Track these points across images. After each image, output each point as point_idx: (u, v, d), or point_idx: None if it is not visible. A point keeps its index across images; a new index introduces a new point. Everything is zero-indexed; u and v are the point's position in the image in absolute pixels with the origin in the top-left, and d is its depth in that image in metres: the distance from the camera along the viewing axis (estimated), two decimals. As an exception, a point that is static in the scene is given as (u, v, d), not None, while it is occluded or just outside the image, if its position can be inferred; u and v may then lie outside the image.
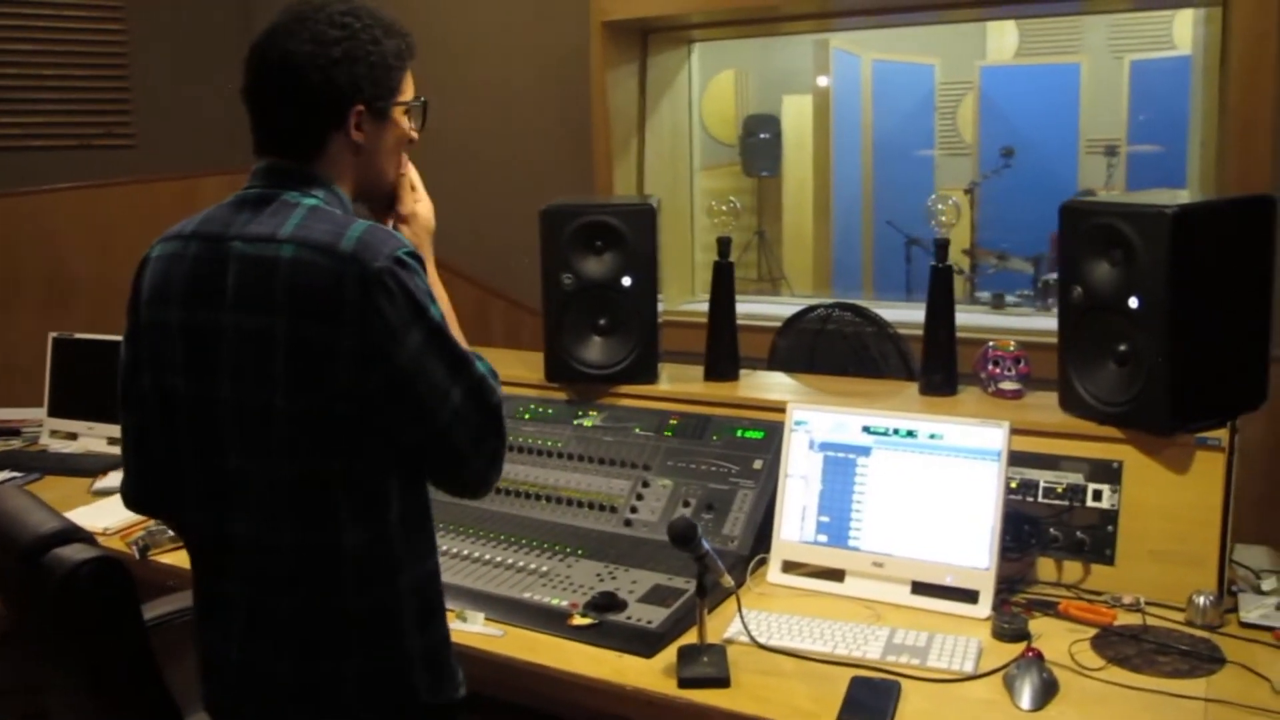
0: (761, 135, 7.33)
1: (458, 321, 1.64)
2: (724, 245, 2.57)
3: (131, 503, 1.70)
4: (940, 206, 2.35)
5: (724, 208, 2.54)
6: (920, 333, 3.15)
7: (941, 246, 2.36)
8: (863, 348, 2.81)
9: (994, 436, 2.03)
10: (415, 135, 1.67)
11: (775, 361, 2.95)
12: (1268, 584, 2.05)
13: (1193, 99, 4.43)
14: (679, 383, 2.60)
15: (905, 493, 2.09)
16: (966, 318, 4.59)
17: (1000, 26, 7.68)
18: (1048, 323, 4.79)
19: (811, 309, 2.98)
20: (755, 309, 4.59)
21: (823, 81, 7.05)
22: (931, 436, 2.09)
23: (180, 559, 2.40)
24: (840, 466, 2.15)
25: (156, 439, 1.61)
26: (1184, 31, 7.18)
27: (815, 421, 2.19)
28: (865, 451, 2.14)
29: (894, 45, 6.87)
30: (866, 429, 2.14)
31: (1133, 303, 1.99)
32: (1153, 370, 1.99)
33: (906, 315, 3.58)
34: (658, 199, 2.57)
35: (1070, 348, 2.15)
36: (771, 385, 2.61)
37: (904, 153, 6.91)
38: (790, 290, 7.53)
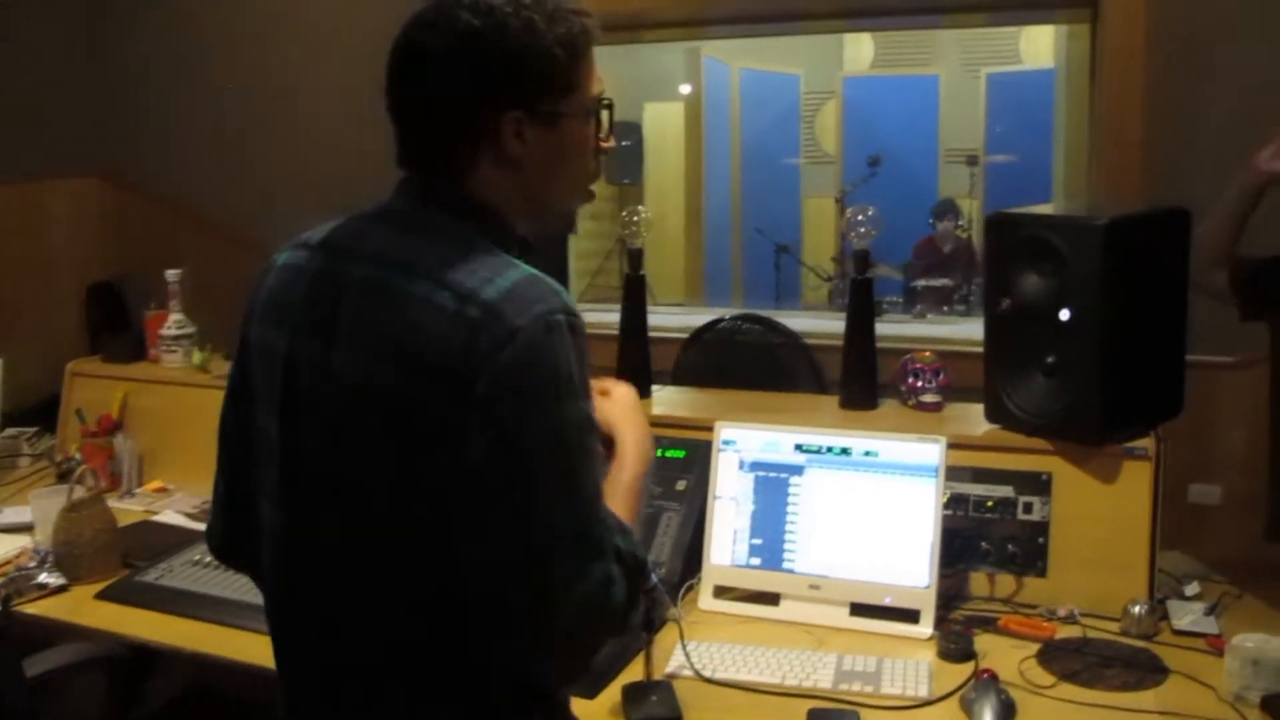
0: (623, 142, 7.28)
1: (632, 499, 1.31)
2: (636, 257, 2.49)
3: (214, 551, 1.45)
4: (860, 217, 2.31)
5: (635, 218, 2.45)
6: (815, 342, 3.18)
7: (861, 258, 2.33)
8: (773, 360, 2.76)
9: (930, 452, 2.00)
10: (607, 143, 1.33)
11: (681, 376, 2.87)
12: (1190, 589, 2.08)
13: (1057, 111, 4.58)
14: (590, 400, 2.49)
15: (841, 512, 2.04)
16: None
17: (857, 38, 7.85)
18: (926, 329, 4.90)
19: (716, 322, 2.92)
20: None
21: (686, 89, 7.06)
22: (866, 454, 2.04)
23: (46, 608, 2.17)
24: (772, 486, 2.09)
25: (246, 482, 1.32)
26: (1030, 47, 7.47)
27: (745, 440, 2.12)
28: (798, 470, 2.08)
29: (761, 54, 6.92)
30: (799, 447, 2.08)
31: (1064, 314, 1.99)
32: (1084, 381, 1.99)
33: (793, 324, 3.58)
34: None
35: (997, 359, 2.14)
36: (688, 401, 2.54)
37: (771, 161, 6.97)
38: (654, 299, 7.48)
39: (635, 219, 2.45)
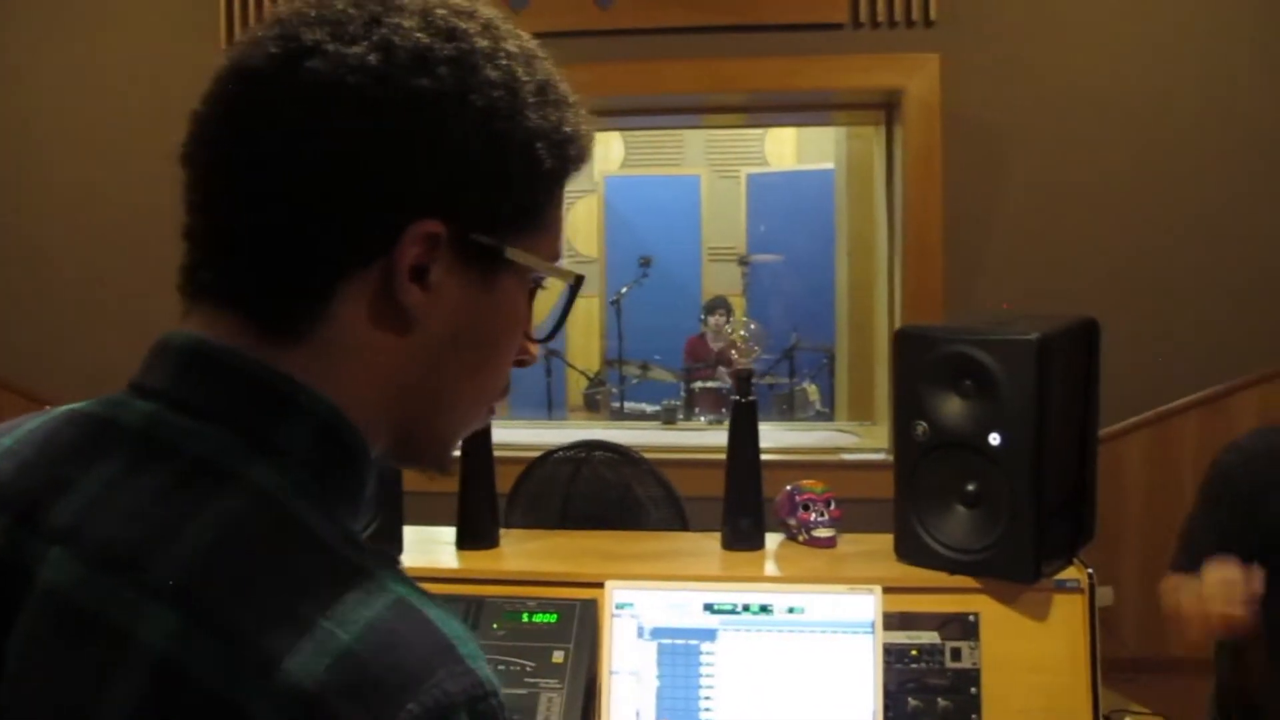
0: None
1: None
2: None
3: None
4: (743, 333, 2.05)
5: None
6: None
7: (744, 379, 2.07)
8: (627, 493, 2.45)
9: (864, 606, 1.74)
10: (543, 340, 0.80)
11: (518, 515, 2.50)
12: (1125, 729, 1.92)
13: (839, 211, 4.58)
14: (428, 555, 2.09)
15: (764, 682, 1.73)
16: (635, 435, 4.41)
17: (606, 137, 7.81)
18: (712, 437, 4.74)
19: (553, 452, 2.57)
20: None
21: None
22: (790, 611, 1.75)
23: None
24: (680, 656, 1.76)
25: None
26: (775, 149, 7.67)
27: (643, 603, 1.78)
28: (710, 635, 1.76)
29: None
30: (709, 608, 1.77)
31: (994, 439, 1.79)
32: (1015, 513, 1.80)
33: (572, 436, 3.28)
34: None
35: (911, 490, 1.92)
36: (547, 550, 2.17)
37: (533, 261, 6.71)
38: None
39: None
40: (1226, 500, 2.02)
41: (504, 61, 0.70)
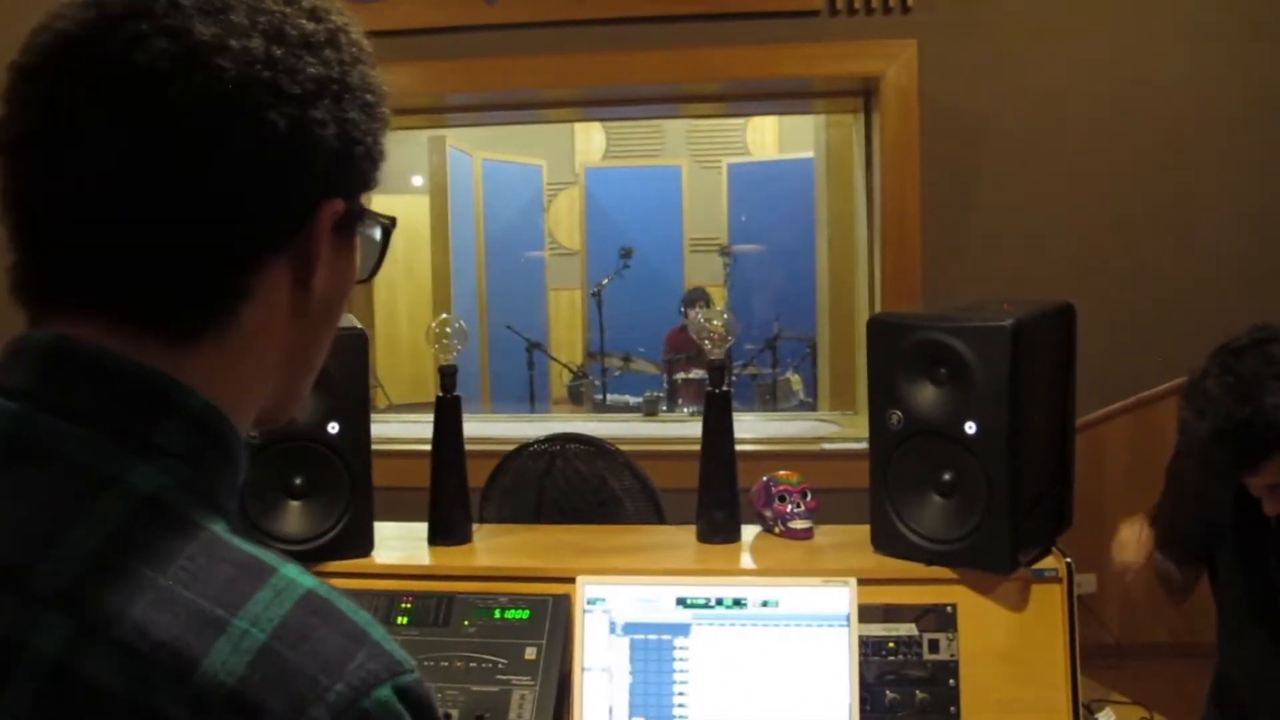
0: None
1: None
2: (449, 377, 2.08)
3: None
4: (715, 323, 2.03)
5: (449, 330, 2.05)
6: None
7: (717, 369, 2.04)
8: (602, 485, 2.42)
9: (839, 598, 1.71)
10: (360, 278, 0.79)
11: (493, 510, 2.47)
12: (1104, 716, 1.91)
13: (818, 201, 4.55)
14: (400, 552, 2.05)
15: (739, 677, 1.71)
16: (617, 427, 4.39)
17: (587, 129, 7.78)
18: (694, 429, 4.72)
19: (526, 445, 2.54)
20: (382, 430, 4.08)
21: (418, 180, 6.70)
22: (764, 604, 1.73)
23: None
24: (653, 652, 1.73)
25: None
26: (757, 138, 7.65)
27: (615, 598, 1.76)
28: (683, 630, 1.73)
29: (501, 144, 6.67)
30: (682, 602, 1.74)
31: (969, 428, 1.77)
32: (991, 502, 1.77)
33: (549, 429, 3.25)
34: (360, 325, 2.04)
35: (886, 480, 1.90)
36: (519, 545, 2.14)
37: (515, 254, 6.69)
38: (389, 400, 7.04)
39: (448, 330, 2.05)
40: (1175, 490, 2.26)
41: (354, 34, 0.72)
